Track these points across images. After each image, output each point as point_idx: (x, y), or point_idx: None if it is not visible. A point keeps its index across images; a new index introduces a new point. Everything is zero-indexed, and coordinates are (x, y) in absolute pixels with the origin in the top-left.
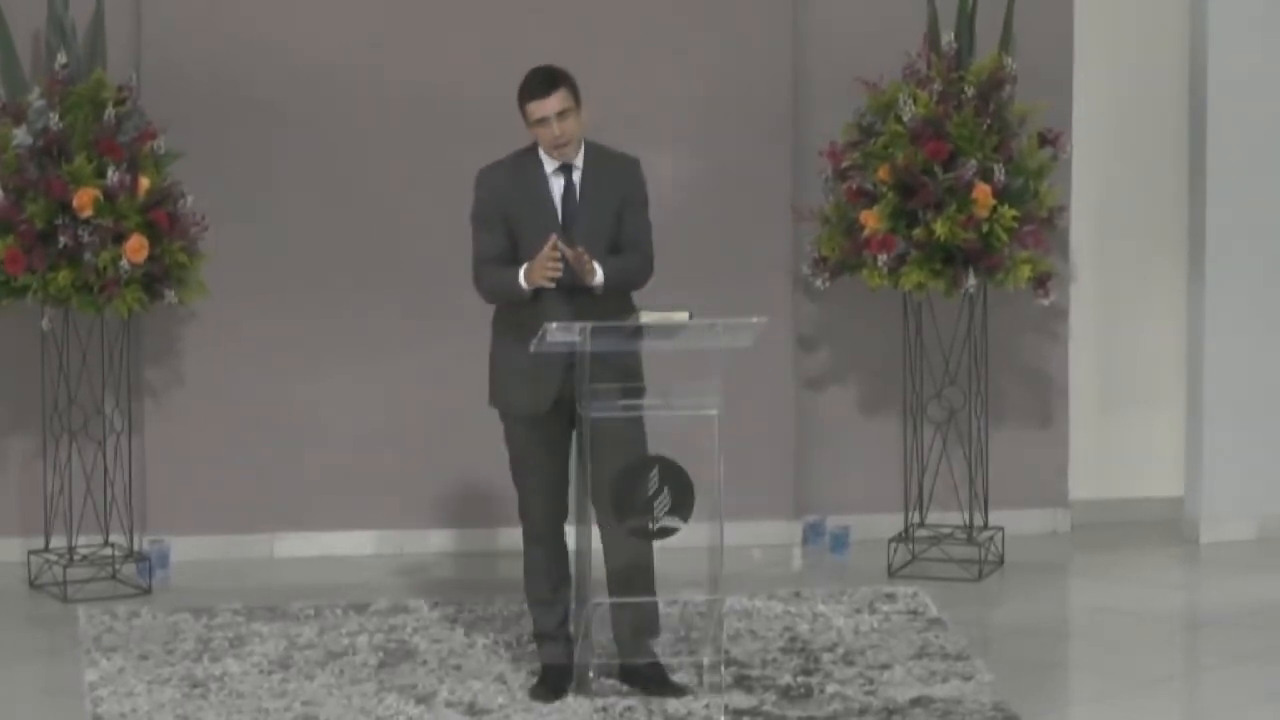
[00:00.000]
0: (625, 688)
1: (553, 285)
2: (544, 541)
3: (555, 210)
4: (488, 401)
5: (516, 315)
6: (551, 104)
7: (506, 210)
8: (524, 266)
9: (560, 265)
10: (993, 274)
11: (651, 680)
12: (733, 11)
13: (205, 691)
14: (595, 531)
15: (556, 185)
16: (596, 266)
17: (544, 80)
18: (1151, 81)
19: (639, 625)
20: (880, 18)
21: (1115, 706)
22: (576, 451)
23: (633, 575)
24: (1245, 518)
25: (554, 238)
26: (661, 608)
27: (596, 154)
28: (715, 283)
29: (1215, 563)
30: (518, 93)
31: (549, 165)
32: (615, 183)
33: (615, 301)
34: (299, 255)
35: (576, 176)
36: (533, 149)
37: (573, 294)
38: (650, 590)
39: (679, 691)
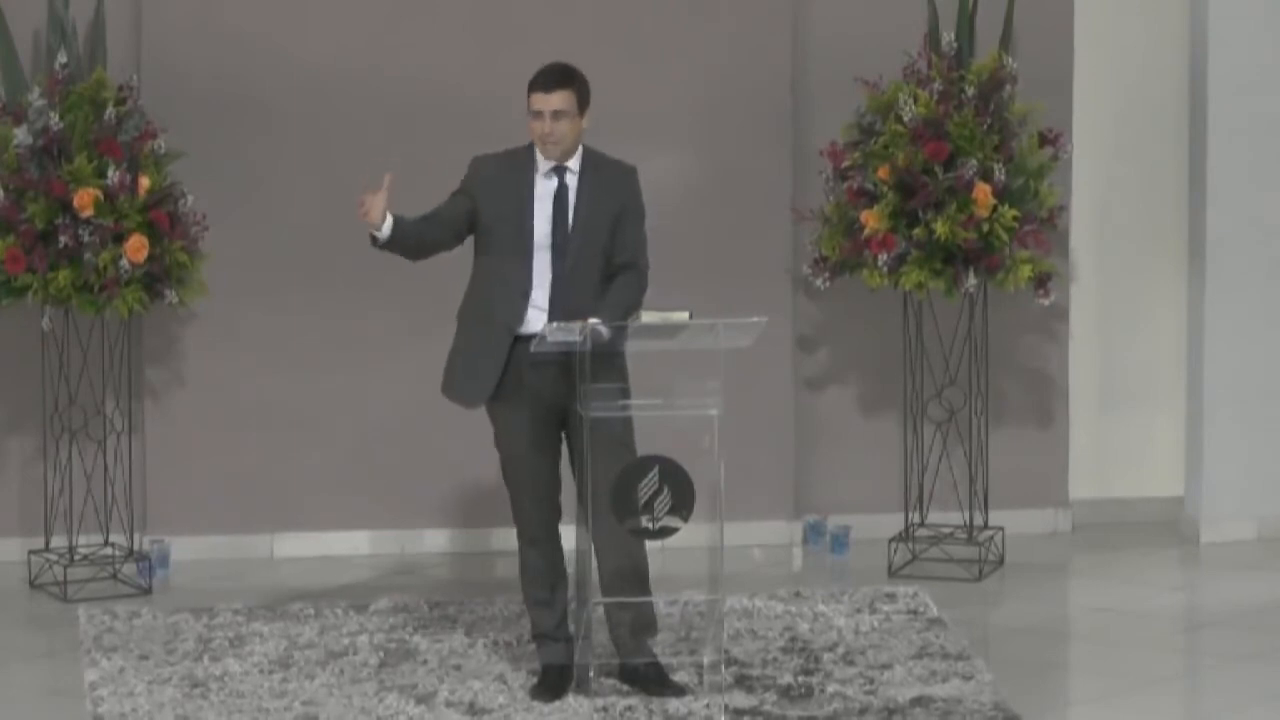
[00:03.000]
0: (625, 688)
1: (376, 230)
2: (538, 543)
3: (531, 209)
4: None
5: (474, 306)
6: (551, 101)
7: (482, 193)
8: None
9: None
10: (993, 274)
11: (651, 680)
12: (733, 11)
13: (205, 691)
14: None
15: (545, 186)
16: (603, 329)
17: (554, 77)
18: (1151, 81)
19: (638, 625)
20: (880, 18)
21: (1115, 706)
22: (573, 452)
23: (627, 578)
24: (1245, 518)
25: (388, 177)
26: (661, 608)
27: (594, 160)
28: (715, 283)
29: (1215, 563)
30: (530, 80)
31: (543, 166)
32: (613, 191)
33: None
34: (299, 255)
35: (571, 181)
36: (530, 147)
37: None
38: (646, 591)
39: (679, 691)
